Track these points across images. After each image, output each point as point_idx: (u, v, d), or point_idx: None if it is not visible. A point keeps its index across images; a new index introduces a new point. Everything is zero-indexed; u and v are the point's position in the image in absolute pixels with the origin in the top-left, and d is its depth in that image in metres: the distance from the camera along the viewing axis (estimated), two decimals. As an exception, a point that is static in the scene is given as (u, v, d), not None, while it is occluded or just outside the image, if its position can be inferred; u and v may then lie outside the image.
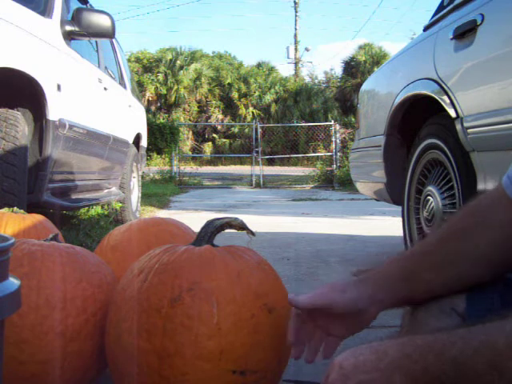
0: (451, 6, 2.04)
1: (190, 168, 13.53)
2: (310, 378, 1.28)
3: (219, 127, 25.80)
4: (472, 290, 0.73)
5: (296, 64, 30.30)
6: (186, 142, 21.90)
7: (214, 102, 26.08)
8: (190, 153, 21.15)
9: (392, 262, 0.80)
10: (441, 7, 2.26)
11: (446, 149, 1.99)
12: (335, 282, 0.82)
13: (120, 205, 4.45)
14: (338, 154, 12.26)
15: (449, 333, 0.56)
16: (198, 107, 26.03)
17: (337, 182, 11.80)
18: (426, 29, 2.33)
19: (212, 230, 1.06)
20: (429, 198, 2.14)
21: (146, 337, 0.91)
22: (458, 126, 1.81)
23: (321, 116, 23.85)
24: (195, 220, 3.54)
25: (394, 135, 2.48)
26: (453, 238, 0.75)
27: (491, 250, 0.73)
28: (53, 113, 2.66)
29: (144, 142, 5.49)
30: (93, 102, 3.56)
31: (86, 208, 4.35)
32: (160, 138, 12.58)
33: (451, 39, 1.88)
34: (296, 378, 1.27)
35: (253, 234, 1.10)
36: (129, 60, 22.78)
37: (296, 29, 30.15)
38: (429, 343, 0.56)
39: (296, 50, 30.25)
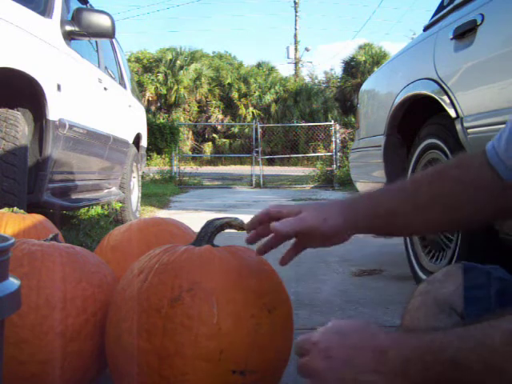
0: (451, 6, 2.04)
1: (189, 168, 13.52)
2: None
3: (219, 127, 25.80)
4: (469, 288, 0.73)
5: (296, 64, 30.30)
6: (186, 141, 21.89)
7: (214, 101, 26.07)
8: (190, 153, 21.14)
9: (377, 195, 0.82)
10: (441, 7, 2.26)
11: (446, 149, 1.99)
12: (318, 207, 0.83)
13: (120, 205, 4.45)
14: (338, 154, 12.24)
15: (446, 332, 0.56)
16: (198, 107, 26.02)
17: (337, 182, 11.79)
18: (425, 29, 2.33)
19: (212, 230, 1.06)
20: (429, 197, 2.13)
21: (145, 337, 0.91)
22: (458, 126, 1.81)
23: (321, 116, 23.85)
24: (195, 220, 3.54)
25: (393, 135, 2.48)
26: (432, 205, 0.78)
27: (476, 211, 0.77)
28: (53, 113, 2.66)
29: (144, 142, 5.48)
30: (93, 102, 3.56)
31: (86, 208, 4.35)
32: (160, 137, 12.56)
33: (451, 39, 1.88)
34: (295, 379, 1.27)
35: (252, 233, 1.10)
36: (129, 60, 22.78)
37: (296, 29, 30.16)
38: (426, 344, 0.56)
39: (296, 50, 30.24)
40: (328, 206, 0.82)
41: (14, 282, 0.63)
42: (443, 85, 1.91)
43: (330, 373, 0.59)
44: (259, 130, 13.24)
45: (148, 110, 21.16)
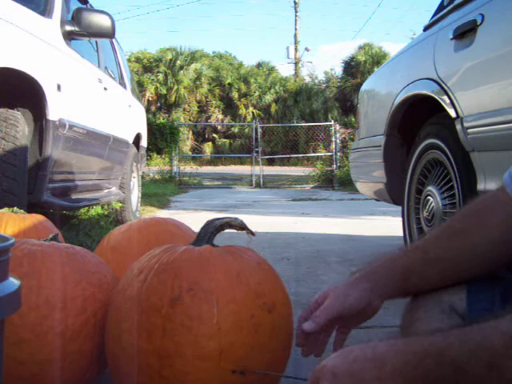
0: (451, 6, 2.04)
1: (189, 168, 13.52)
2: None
3: (219, 127, 25.80)
4: (472, 289, 0.73)
5: (296, 64, 30.29)
6: (186, 141, 21.89)
7: (213, 101, 26.07)
8: (190, 153, 21.15)
9: (391, 258, 0.82)
10: (441, 7, 2.26)
11: (446, 149, 1.99)
12: (335, 288, 0.84)
13: (120, 205, 4.45)
14: (338, 154, 12.26)
15: (444, 335, 0.56)
16: (198, 107, 26.02)
17: (337, 182, 11.80)
18: (425, 29, 2.33)
19: (212, 230, 1.06)
20: (429, 197, 2.14)
21: (145, 337, 0.91)
22: (458, 126, 1.81)
23: (321, 116, 23.85)
24: (195, 220, 3.54)
25: (393, 135, 2.48)
26: (451, 237, 0.77)
27: (489, 249, 0.74)
28: (53, 113, 2.66)
29: (144, 142, 5.48)
30: (93, 101, 3.56)
31: (86, 208, 4.35)
32: (160, 137, 12.58)
33: (451, 39, 1.88)
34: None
35: (252, 233, 1.10)
36: (129, 60, 22.78)
37: (296, 29, 30.15)
38: (426, 347, 0.55)
39: (296, 50, 30.24)
40: (344, 282, 0.83)
41: (14, 282, 0.63)
42: (443, 85, 1.91)
43: None
44: (259, 130, 13.26)
45: (148, 110, 21.15)
